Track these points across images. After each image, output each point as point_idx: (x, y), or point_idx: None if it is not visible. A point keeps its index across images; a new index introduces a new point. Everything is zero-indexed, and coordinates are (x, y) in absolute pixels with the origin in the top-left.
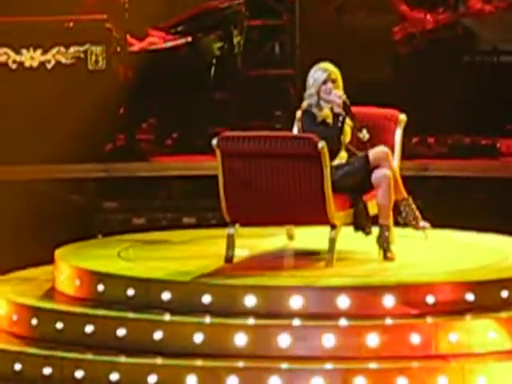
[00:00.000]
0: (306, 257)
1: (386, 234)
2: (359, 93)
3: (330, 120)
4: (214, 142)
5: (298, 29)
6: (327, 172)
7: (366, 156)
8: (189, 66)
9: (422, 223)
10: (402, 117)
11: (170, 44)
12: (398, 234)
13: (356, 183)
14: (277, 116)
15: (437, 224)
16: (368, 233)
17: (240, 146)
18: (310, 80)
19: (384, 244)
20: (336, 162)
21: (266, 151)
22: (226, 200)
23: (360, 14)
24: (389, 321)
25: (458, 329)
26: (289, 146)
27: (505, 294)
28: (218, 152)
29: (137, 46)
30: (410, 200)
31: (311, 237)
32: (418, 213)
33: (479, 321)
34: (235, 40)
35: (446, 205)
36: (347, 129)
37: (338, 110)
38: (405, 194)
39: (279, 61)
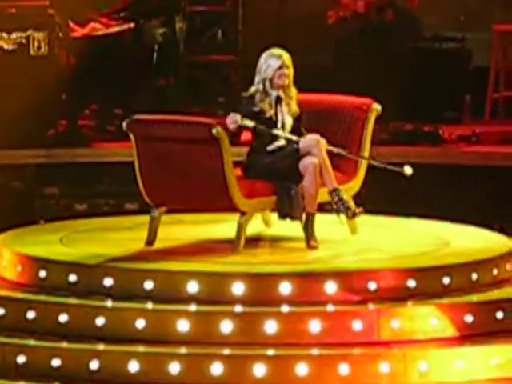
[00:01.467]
0: (254, 243)
1: (310, 222)
2: (301, 78)
3: (267, 109)
4: (124, 124)
5: (241, 15)
6: (227, 157)
7: (297, 143)
8: (131, 51)
9: (354, 209)
10: (375, 106)
11: (112, 30)
12: (340, 220)
13: (284, 170)
14: (219, 102)
15: (378, 210)
16: (296, 219)
17: (147, 130)
18: (264, 66)
19: (308, 232)
20: (271, 146)
21: (169, 135)
22: (142, 183)
23: None
24: (331, 307)
25: (400, 315)
26: (187, 131)
27: (446, 280)
28: (130, 135)
29: (79, 31)
30: (340, 190)
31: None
32: (348, 202)
33: (421, 307)
34: (178, 26)
35: (387, 191)
36: (286, 120)
37: (267, 104)
38: (335, 184)
39: (222, 47)
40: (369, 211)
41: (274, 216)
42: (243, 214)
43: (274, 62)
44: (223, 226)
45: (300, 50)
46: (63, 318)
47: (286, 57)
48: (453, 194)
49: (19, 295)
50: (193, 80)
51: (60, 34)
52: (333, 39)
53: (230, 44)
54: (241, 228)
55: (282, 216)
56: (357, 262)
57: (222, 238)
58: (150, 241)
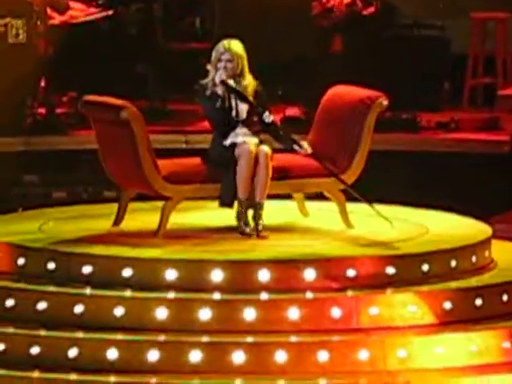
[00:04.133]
0: (229, 231)
1: (259, 211)
2: (279, 68)
3: (220, 93)
4: (78, 105)
5: (218, 2)
6: (140, 139)
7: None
8: (109, 39)
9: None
10: (379, 101)
11: (90, 17)
12: (315, 207)
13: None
14: (196, 89)
15: (357, 198)
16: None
17: (90, 111)
18: (212, 55)
19: (258, 221)
20: (227, 141)
21: (100, 117)
22: (103, 162)
23: None
24: (310, 294)
25: (379, 302)
26: (107, 113)
27: (425, 267)
28: None
29: (57, 19)
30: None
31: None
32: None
33: (400, 294)
34: (156, 13)
35: (365, 179)
36: (241, 107)
37: (219, 90)
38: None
39: (199, 34)
40: (349, 199)
41: (311, 206)
42: (167, 199)
43: (217, 51)
44: (205, 214)
45: (278, 39)
46: (42, 305)
47: (231, 48)
48: (431, 181)
49: None
50: (170, 67)
51: (38, 22)
52: (312, 28)
53: (208, 32)
54: (162, 214)
55: (223, 204)
56: (335, 248)
57: (202, 225)
58: (116, 221)
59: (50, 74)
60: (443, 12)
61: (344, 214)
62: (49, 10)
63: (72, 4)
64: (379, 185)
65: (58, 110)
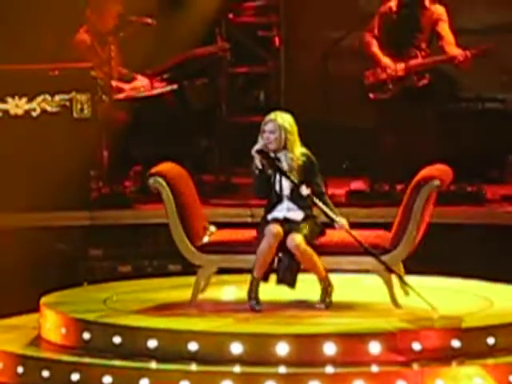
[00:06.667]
0: (295, 305)
1: (253, 286)
2: (343, 140)
3: (265, 168)
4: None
5: (283, 76)
6: (168, 206)
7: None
8: (174, 113)
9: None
10: (430, 184)
11: (155, 91)
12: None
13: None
14: None
15: (422, 271)
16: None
17: None
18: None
19: (251, 295)
20: (270, 216)
21: None
22: None
23: (346, 59)
24: (375, 368)
25: (444, 376)
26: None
27: (491, 340)
28: None
29: (122, 93)
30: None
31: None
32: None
33: (465, 368)
34: (220, 87)
35: (431, 251)
36: (284, 181)
37: (257, 161)
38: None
39: (264, 108)
40: (413, 272)
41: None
42: (198, 267)
43: (264, 121)
44: (268, 287)
45: (344, 110)
46: (107, 380)
47: (277, 116)
48: (497, 253)
49: (63, 357)
50: (234, 141)
51: (103, 96)
52: (374, 101)
53: (272, 105)
54: (196, 282)
55: (281, 282)
56: (401, 322)
57: (264, 299)
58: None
59: (115, 149)
60: (506, 85)
61: (391, 293)
62: (114, 84)
63: (137, 78)
64: (444, 258)
65: (123, 184)
